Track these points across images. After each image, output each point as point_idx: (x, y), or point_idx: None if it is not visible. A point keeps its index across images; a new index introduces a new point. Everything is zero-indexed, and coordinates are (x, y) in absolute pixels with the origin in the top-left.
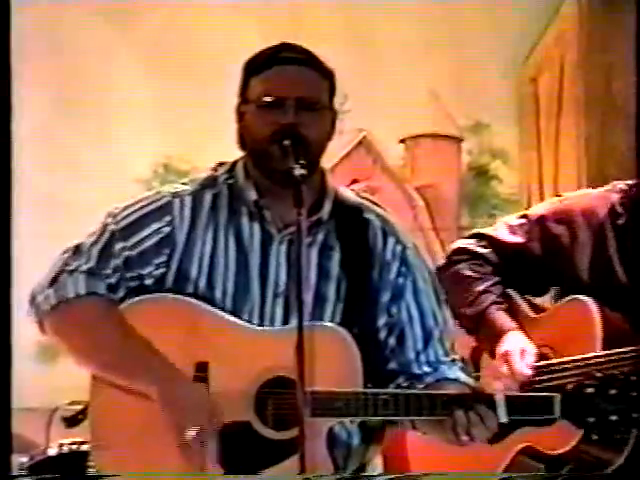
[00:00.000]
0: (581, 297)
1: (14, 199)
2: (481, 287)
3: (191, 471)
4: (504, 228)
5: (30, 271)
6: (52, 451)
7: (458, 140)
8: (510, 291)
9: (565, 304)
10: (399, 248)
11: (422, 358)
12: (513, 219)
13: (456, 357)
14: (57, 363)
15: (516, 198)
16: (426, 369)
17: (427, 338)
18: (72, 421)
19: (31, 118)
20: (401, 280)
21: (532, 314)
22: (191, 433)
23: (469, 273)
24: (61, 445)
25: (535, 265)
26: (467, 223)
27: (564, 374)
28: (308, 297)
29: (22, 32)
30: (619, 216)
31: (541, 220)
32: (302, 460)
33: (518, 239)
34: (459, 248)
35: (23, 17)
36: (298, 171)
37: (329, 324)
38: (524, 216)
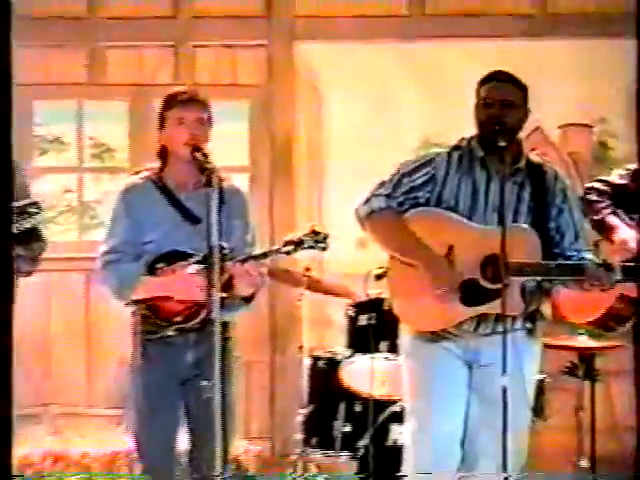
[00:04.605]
0: None
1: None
2: (602, 205)
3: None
4: (616, 176)
5: (339, 212)
6: (364, 298)
7: (590, 126)
8: (619, 211)
9: None
10: (561, 186)
11: (572, 247)
12: (621, 170)
13: (590, 249)
14: (367, 252)
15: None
16: (574, 253)
17: (576, 237)
18: (379, 277)
19: (344, 114)
20: (562, 204)
21: (632, 223)
22: (442, 290)
23: (595, 198)
24: (368, 295)
25: (633, 196)
26: (596, 174)
27: None
28: (510, 212)
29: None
30: None
31: (637, 171)
32: (503, 302)
33: (624, 181)
34: (590, 187)
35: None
36: (501, 143)
37: (524, 225)
38: (627, 169)
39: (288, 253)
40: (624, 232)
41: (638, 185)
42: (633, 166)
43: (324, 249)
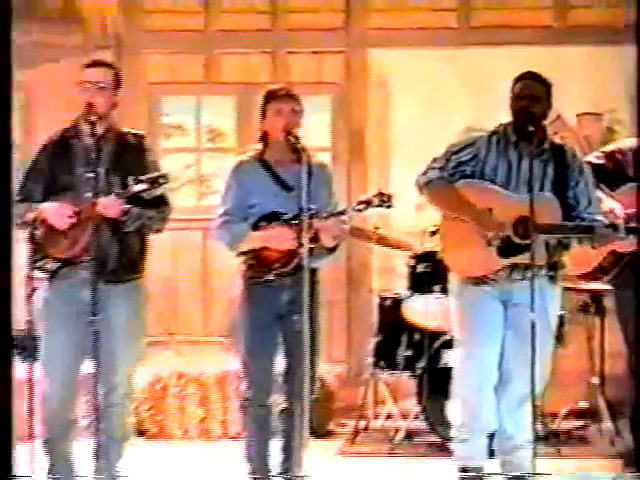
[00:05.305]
0: None
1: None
2: None
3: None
4: (594, 157)
5: (402, 183)
6: (421, 251)
7: (600, 115)
8: (602, 185)
9: (629, 189)
10: (578, 163)
11: (586, 211)
12: (598, 153)
13: (602, 213)
14: (424, 214)
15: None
16: (588, 216)
17: (589, 203)
18: (433, 234)
19: (406, 106)
20: (579, 177)
21: (614, 194)
22: (490, 234)
23: None
24: (425, 248)
25: (610, 173)
26: None
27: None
28: (537, 184)
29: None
30: None
31: (611, 152)
32: (532, 256)
33: (601, 161)
34: None
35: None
36: (530, 129)
37: (548, 194)
38: (603, 151)
39: (360, 211)
40: (608, 203)
41: (614, 164)
42: (608, 148)
43: (389, 207)
